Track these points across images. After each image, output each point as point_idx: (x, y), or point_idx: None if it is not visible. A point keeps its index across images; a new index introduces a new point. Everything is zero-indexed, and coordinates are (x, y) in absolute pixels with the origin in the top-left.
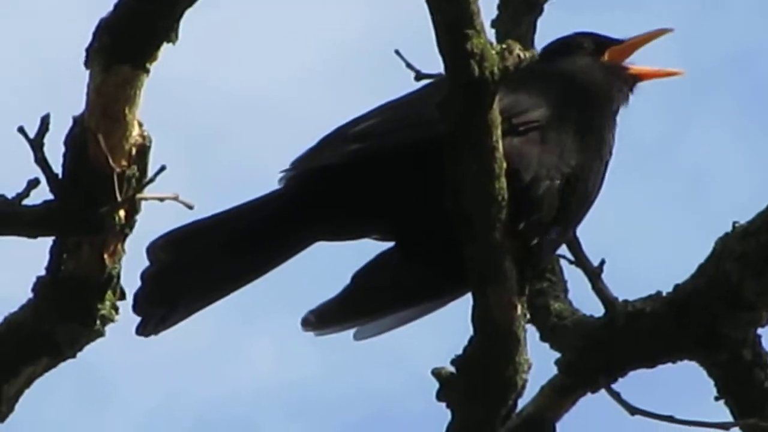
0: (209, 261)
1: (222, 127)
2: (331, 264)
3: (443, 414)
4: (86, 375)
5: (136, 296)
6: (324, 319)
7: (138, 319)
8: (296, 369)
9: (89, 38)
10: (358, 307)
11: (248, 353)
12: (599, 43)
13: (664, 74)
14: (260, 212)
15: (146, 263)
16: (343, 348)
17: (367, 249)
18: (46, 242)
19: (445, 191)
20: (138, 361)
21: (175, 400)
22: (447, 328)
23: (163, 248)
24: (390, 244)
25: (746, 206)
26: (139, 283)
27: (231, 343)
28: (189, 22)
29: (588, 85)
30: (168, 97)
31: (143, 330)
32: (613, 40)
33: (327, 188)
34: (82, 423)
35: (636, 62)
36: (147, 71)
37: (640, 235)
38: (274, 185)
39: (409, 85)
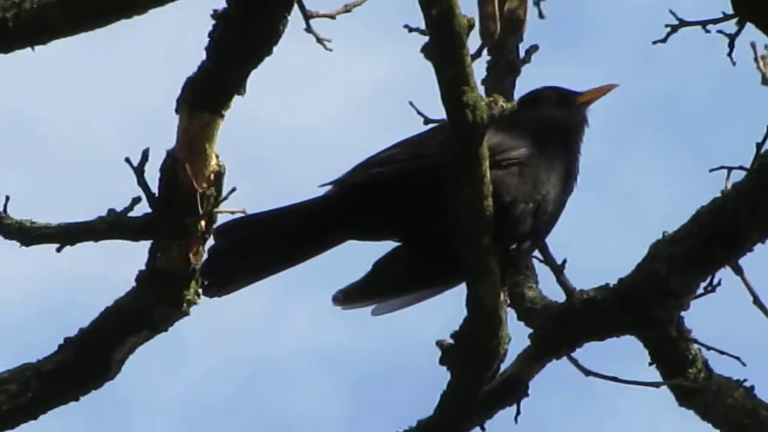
0: (260, 245)
1: (270, 153)
2: (357, 254)
3: (444, 374)
4: (166, 337)
5: (203, 265)
6: (349, 297)
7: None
8: (326, 334)
9: (178, 92)
10: (377, 289)
11: (289, 321)
12: (562, 94)
13: (604, 91)
14: (305, 213)
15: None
16: (363, 319)
17: (385, 244)
18: (146, 244)
19: (445, 207)
20: (204, 325)
21: (233, 358)
22: (446, 310)
23: (222, 232)
24: None
25: (672, 219)
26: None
27: (276, 313)
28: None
29: (555, 129)
30: (232, 129)
31: (206, 292)
32: (573, 92)
33: (356, 201)
34: (158, 373)
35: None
36: (222, 116)
37: (592, 241)
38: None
39: (419, 126)
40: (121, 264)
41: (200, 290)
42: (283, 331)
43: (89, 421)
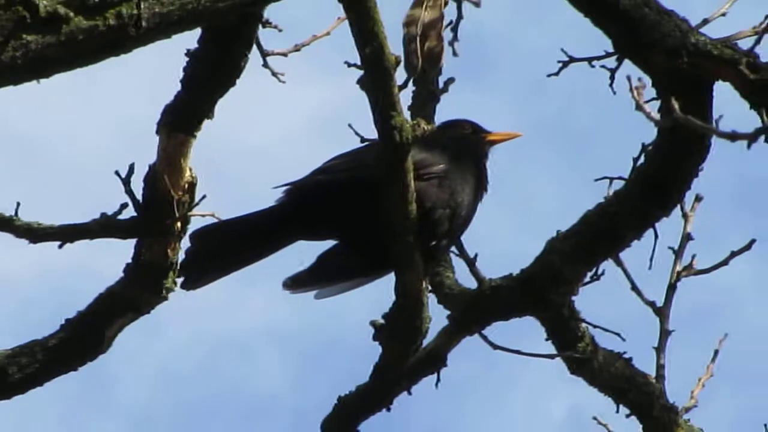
0: (227, 247)
1: (232, 165)
2: (298, 251)
3: (374, 348)
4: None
5: (180, 264)
6: (297, 283)
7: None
8: (275, 314)
9: (155, 116)
10: (320, 277)
11: (245, 303)
12: (474, 126)
13: (510, 137)
14: (263, 219)
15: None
16: (306, 302)
17: (326, 243)
18: (132, 242)
19: (377, 210)
20: (177, 305)
21: (201, 333)
22: (373, 295)
23: (196, 237)
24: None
25: (563, 220)
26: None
27: (234, 296)
28: None
29: (468, 151)
30: (203, 147)
31: (183, 286)
32: (484, 129)
33: (304, 203)
34: (139, 346)
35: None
36: (195, 137)
37: (499, 238)
38: (269, 203)
39: (356, 144)
40: (113, 258)
41: (177, 281)
42: (241, 312)
43: (82, 385)
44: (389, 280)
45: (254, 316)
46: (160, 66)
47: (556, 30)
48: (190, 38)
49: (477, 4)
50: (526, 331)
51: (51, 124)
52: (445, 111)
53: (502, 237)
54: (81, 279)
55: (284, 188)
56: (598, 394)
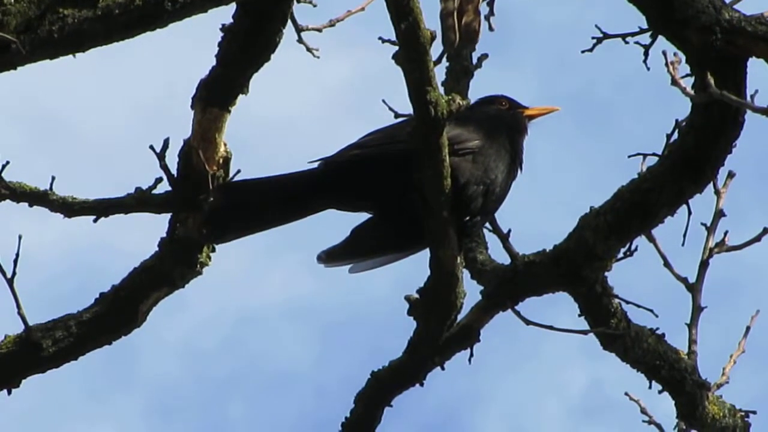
0: (255, 205)
1: (261, 139)
2: (321, 223)
3: (397, 323)
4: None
5: (204, 216)
6: (331, 257)
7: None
8: (297, 288)
9: (192, 91)
10: (355, 251)
11: (267, 278)
12: (512, 103)
13: (547, 111)
14: (295, 181)
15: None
16: (328, 275)
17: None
18: (166, 216)
19: (412, 184)
20: (200, 280)
21: (224, 308)
22: (400, 270)
23: (220, 191)
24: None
25: (591, 196)
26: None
27: (256, 271)
28: None
29: (504, 126)
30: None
31: (205, 239)
32: (521, 104)
33: (339, 176)
34: (164, 321)
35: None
36: (229, 111)
37: (531, 214)
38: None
39: (385, 116)
40: (147, 233)
41: (211, 256)
42: (263, 286)
43: (108, 359)
44: (416, 256)
45: (276, 291)
46: (179, 43)
47: (574, 3)
48: (223, 14)
49: None
50: (559, 307)
51: (77, 100)
52: (479, 87)
53: (528, 213)
54: (103, 255)
55: (319, 162)
56: (631, 370)
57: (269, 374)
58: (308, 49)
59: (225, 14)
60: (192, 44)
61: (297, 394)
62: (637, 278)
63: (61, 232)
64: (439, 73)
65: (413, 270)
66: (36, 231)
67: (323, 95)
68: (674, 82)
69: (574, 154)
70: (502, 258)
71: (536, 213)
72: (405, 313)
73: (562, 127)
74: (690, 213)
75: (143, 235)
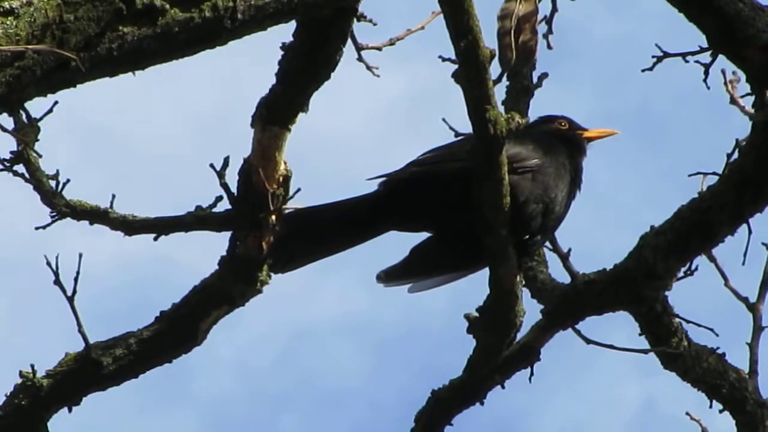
0: (320, 233)
1: (320, 156)
2: (394, 238)
3: (452, 340)
4: None
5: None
6: (390, 276)
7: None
8: (351, 305)
9: (250, 109)
10: (414, 271)
11: (321, 294)
12: (570, 123)
13: (607, 134)
14: (358, 206)
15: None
16: (382, 293)
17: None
18: (226, 235)
19: (471, 203)
20: (255, 299)
21: (277, 324)
22: (471, 289)
23: (287, 220)
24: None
25: (645, 214)
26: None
27: (310, 287)
28: None
29: (564, 146)
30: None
31: (273, 269)
32: (580, 126)
33: (399, 194)
34: (218, 339)
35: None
36: (290, 130)
37: (591, 233)
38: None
39: (449, 135)
40: (207, 251)
41: (271, 274)
42: (317, 302)
43: (163, 373)
44: (475, 274)
45: (331, 307)
46: (233, 61)
47: (631, 19)
48: (282, 32)
49: None
50: (619, 326)
51: (132, 116)
52: (539, 106)
53: (588, 231)
54: (161, 268)
55: (379, 180)
56: (691, 389)
57: (323, 390)
58: (368, 68)
59: (284, 32)
60: (249, 62)
61: (350, 410)
62: (697, 297)
63: (118, 244)
64: (499, 92)
65: (469, 287)
66: (92, 244)
67: (381, 111)
68: (733, 101)
69: (632, 172)
70: (562, 277)
71: (596, 232)
72: (460, 329)
73: (620, 144)
74: (750, 232)
75: (202, 248)
